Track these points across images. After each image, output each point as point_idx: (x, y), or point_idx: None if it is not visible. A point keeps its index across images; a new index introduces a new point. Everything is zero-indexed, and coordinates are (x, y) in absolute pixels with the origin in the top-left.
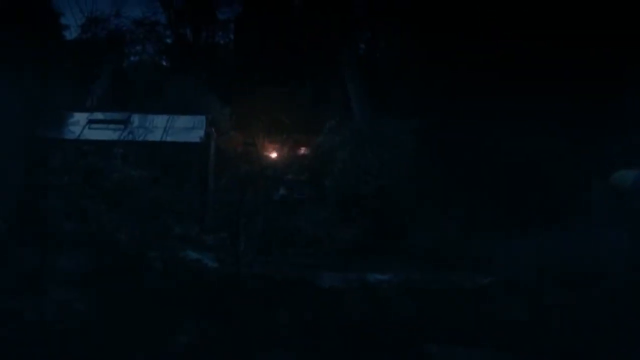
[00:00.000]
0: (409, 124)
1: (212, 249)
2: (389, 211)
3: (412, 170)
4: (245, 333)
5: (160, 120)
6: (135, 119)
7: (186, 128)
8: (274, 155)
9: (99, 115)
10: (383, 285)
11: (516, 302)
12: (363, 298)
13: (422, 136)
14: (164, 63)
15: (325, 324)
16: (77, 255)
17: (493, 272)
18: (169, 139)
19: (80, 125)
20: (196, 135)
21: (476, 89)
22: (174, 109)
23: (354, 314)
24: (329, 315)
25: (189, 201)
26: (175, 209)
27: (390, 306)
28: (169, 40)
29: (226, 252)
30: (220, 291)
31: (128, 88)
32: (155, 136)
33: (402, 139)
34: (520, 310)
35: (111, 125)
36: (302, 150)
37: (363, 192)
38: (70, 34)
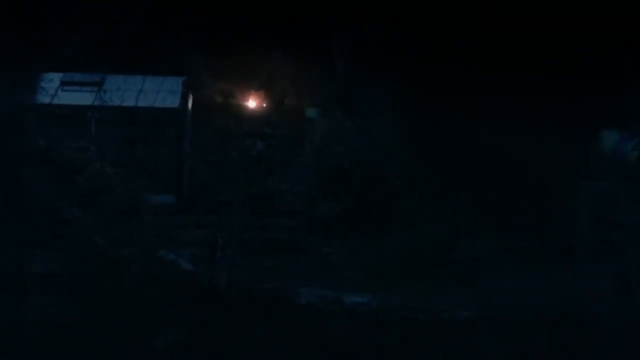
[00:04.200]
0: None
1: (189, 245)
2: (370, 186)
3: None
4: (219, 346)
5: (135, 81)
6: (110, 80)
7: (162, 91)
8: (252, 107)
9: (72, 77)
10: (362, 308)
11: (498, 340)
12: (340, 321)
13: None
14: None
15: (301, 343)
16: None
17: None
18: (143, 104)
19: (53, 88)
20: (172, 100)
21: (464, 67)
22: (150, 61)
23: (330, 335)
24: (306, 335)
25: (166, 174)
26: (151, 186)
27: (369, 333)
28: None
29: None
30: (195, 300)
31: (103, 41)
32: (130, 100)
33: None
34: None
35: (85, 88)
36: (281, 105)
37: (342, 160)
38: None
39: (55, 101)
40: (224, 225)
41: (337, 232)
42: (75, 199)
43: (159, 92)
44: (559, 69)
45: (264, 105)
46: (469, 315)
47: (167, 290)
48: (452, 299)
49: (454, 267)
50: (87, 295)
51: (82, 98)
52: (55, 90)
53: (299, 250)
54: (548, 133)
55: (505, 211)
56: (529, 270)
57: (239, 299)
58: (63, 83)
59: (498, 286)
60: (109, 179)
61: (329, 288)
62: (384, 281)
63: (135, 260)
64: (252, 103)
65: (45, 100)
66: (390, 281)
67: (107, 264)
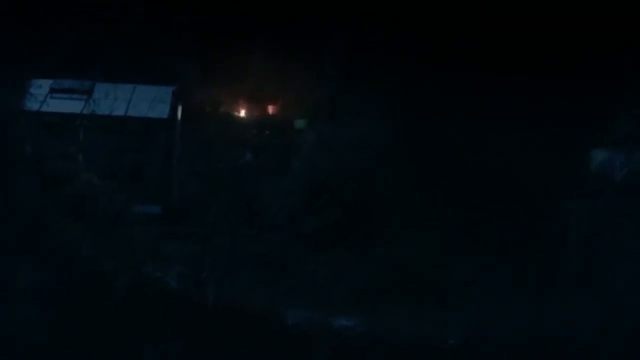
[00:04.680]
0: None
1: (176, 258)
2: (359, 200)
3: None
4: None
5: (124, 90)
6: (99, 88)
7: (152, 100)
8: (241, 115)
9: (61, 83)
10: (348, 333)
11: None
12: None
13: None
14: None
15: None
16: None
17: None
18: (133, 113)
19: (42, 94)
20: (162, 110)
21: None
22: (140, 68)
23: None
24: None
25: (154, 184)
26: (139, 196)
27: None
28: None
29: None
30: (181, 318)
31: (93, 45)
32: (120, 110)
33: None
34: None
35: (74, 95)
36: (272, 113)
37: (332, 172)
38: None
39: (44, 108)
40: (211, 238)
41: (325, 247)
42: (62, 209)
43: (148, 102)
44: (549, 86)
45: (254, 115)
46: (456, 342)
47: (152, 308)
48: (440, 322)
49: (442, 288)
50: (71, 309)
51: (71, 106)
52: (44, 97)
53: (287, 265)
54: (538, 152)
55: (494, 232)
56: (516, 293)
57: (225, 318)
58: (52, 90)
59: (486, 310)
60: (97, 189)
61: (315, 306)
62: (372, 299)
63: (121, 274)
64: (241, 113)
65: (34, 107)
66: (378, 300)
67: (93, 277)
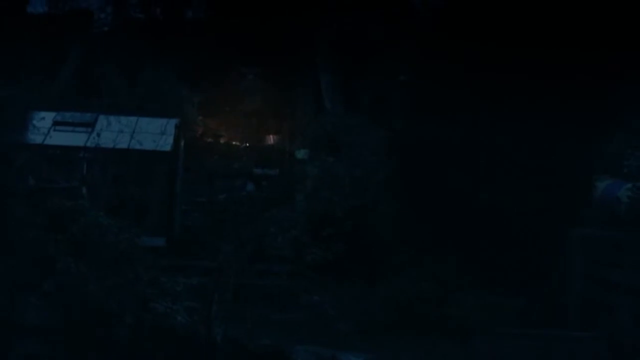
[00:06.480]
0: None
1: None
2: (362, 231)
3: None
4: None
5: (128, 123)
6: (102, 121)
7: (155, 133)
8: (243, 147)
9: (64, 116)
10: None
11: None
12: None
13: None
14: (133, 46)
15: None
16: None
17: None
18: (136, 146)
19: (45, 127)
20: (165, 143)
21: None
22: (142, 98)
23: None
24: None
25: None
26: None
27: None
28: (139, 17)
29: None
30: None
31: (94, 76)
32: (123, 143)
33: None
34: None
35: (78, 128)
36: (273, 144)
37: (333, 204)
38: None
39: (48, 141)
40: (217, 272)
41: (328, 281)
42: (66, 243)
43: (151, 134)
44: (548, 112)
45: (255, 146)
46: None
47: (159, 344)
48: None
49: (446, 323)
50: (76, 347)
51: (75, 139)
52: (47, 129)
53: (291, 299)
54: (541, 186)
55: (498, 266)
56: (520, 329)
57: (233, 356)
58: (56, 123)
59: (491, 346)
60: (100, 222)
61: (320, 341)
62: (376, 335)
63: (127, 310)
64: (243, 144)
65: (37, 140)
66: (383, 335)
67: (98, 314)
